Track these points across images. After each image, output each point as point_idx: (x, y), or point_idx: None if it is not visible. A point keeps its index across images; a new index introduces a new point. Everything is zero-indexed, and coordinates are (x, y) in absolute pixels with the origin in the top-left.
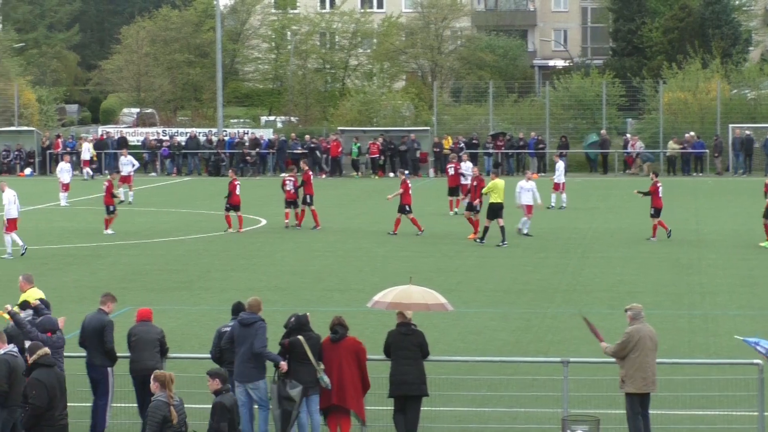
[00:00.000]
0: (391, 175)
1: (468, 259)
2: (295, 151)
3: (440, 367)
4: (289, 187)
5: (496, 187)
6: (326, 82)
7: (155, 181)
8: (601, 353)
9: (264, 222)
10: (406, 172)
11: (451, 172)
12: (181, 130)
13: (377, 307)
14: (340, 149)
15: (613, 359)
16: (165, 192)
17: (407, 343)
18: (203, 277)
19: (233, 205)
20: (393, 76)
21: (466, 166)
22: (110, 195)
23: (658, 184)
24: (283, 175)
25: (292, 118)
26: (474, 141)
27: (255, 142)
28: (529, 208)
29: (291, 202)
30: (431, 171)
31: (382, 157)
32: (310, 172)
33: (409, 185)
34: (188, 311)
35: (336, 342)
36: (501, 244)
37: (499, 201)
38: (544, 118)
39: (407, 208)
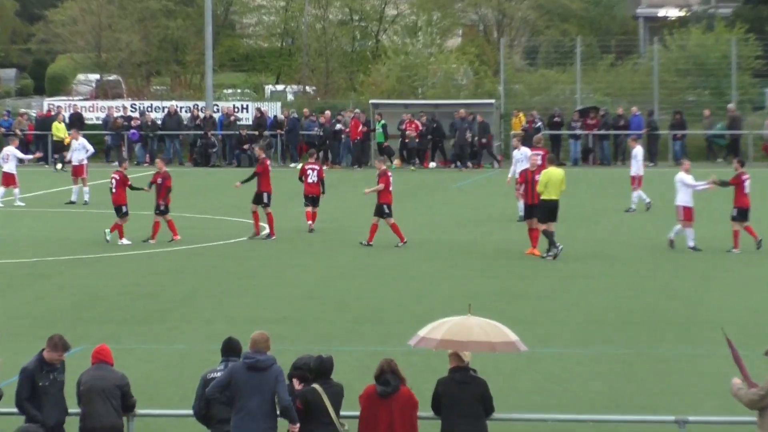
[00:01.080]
0: (432, 165)
1: (544, 279)
2: (310, 132)
3: (509, 427)
4: (312, 178)
5: (550, 180)
6: (354, 40)
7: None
8: (731, 409)
9: (268, 229)
10: (393, 164)
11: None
12: (156, 103)
13: (423, 345)
14: (360, 129)
15: (750, 415)
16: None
17: (464, 396)
18: (184, 304)
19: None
20: (445, 30)
21: (521, 154)
22: (123, 190)
23: (744, 177)
24: (292, 165)
25: (308, 89)
26: (556, 119)
27: (258, 122)
28: (686, 211)
29: (313, 199)
30: (495, 160)
31: (428, 138)
32: (268, 161)
33: (390, 180)
34: (163, 351)
35: (387, 396)
36: (545, 255)
37: (554, 198)
38: (650, 88)
39: (386, 210)
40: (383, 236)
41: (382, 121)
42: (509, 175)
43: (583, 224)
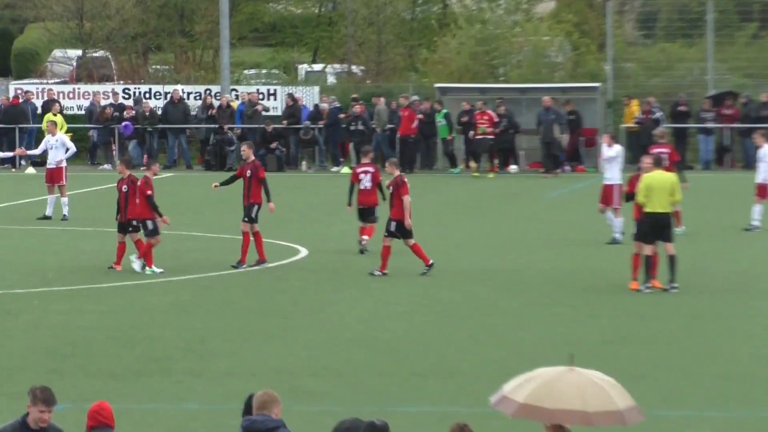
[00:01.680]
0: (514, 168)
1: (667, 320)
2: (356, 129)
3: None
4: (366, 183)
5: (652, 188)
6: (415, 4)
7: (109, 178)
8: None
9: (304, 253)
10: (458, 169)
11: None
12: (156, 88)
13: (502, 408)
14: (414, 124)
15: None
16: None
17: None
18: (193, 352)
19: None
20: None
21: (615, 152)
22: (148, 199)
23: None
24: (334, 169)
25: (354, 68)
26: (680, 108)
27: (289, 112)
28: None
29: (367, 211)
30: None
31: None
32: (258, 164)
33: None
34: (167, 413)
35: None
36: (669, 287)
37: (660, 211)
38: None
39: (394, 228)
40: (450, 261)
41: (444, 111)
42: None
43: (717, 247)
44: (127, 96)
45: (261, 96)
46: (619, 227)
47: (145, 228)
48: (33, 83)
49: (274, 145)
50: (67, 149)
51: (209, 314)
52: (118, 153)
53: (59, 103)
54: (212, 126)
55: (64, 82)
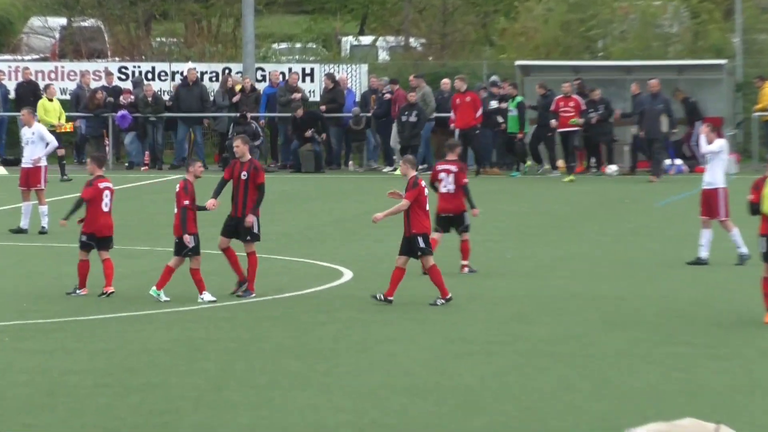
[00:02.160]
0: (613, 169)
1: None
2: (407, 120)
3: None
4: (447, 186)
5: None
6: None
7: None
8: None
9: (349, 275)
10: (525, 167)
11: None
12: (161, 67)
13: None
14: (478, 115)
15: None
16: (124, 208)
17: None
18: (205, 402)
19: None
20: None
21: (718, 145)
22: (181, 213)
23: None
24: (387, 170)
25: (413, 41)
26: None
27: (330, 96)
28: None
29: (448, 220)
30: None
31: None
32: (258, 165)
33: (425, 193)
34: None
35: None
36: None
37: None
38: None
39: (420, 243)
40: (536, 287)
41: (518, 98)
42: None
43: None
44: (124, 77)
45: (296, 76)
46: (740, 242)
47: (181, 247)
48: (4, 60)
49: (309, 133)
50: (47, 143)
51: (227, 354)
52: (112, 149)
53: (35, 84)
54: (232, 115)
55: (44, 59)
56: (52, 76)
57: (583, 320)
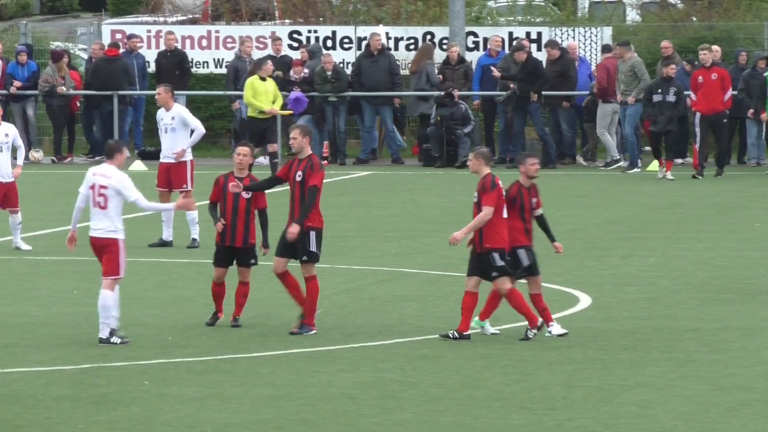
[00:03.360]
0: None
1: None
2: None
3: None
4: None
5: None
6: None
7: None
8: None
9: (586, 301)
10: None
11: None
12: (343, 31)
13: None
14: (727, 98)
15: None
16: None
17: None
18: None
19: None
20: None
21: None
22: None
23: None
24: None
25: None
26: None
27: (557, 69)
28: None
29: None
30: None
31: None
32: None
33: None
34: None
35: None
36: None
37: None
38: None
39: (496, 261)
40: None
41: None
42: None
43: None
44: (296, 44)
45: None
46: None
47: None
48: (141, 23)
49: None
50: (192, 130)
51: (429, 403)
52: (279, 138)
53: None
54: (436, 94)
55: (193, 22)
56: (204, 43)
57: (720, 358)
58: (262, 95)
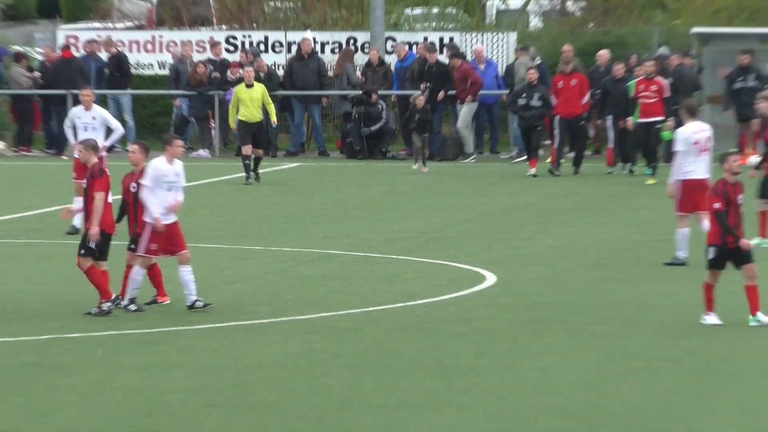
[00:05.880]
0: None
1: None
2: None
3: None
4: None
5: None
6: None
7: (208, 171)
8: None
9: (491, 279)
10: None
11: None
12: (275, 36)
13: None
14: (584, 101)
15: None
16: (235, 201)
17: None
18: (329, 425)
19: None
20: None
21: None
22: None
23: None
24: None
25: (571, 5)
26: None
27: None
28: None
29: None
30: None
31: None
32: None
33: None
34: None
35: None
36: None
37: None
38: None
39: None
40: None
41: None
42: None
43: None
44: (232, 48)
45: (431, 46)
46: None
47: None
48: (92, 28)
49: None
50: (113, 130)
51: (351, 370)
52: (218, 132)
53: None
54: (354, 93)
55: (139, 27)
56: (149, 47)
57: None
58: (247, 102)
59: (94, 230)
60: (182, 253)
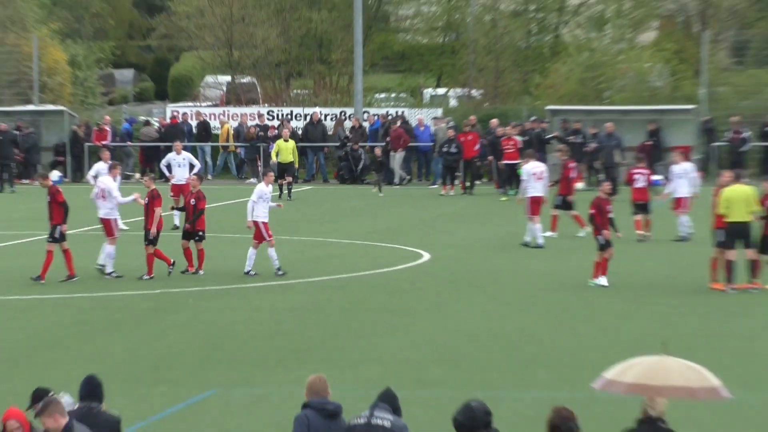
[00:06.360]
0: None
1: (757, 316)
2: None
3: None
4: (641, 183)
5: (731, 199)
6: (529, 34)
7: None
8: None
9: (426, 257)
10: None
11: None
12: (297, 110)
13: (609, 389)
14: (476, 148)
15: None
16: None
17: None
18: (327, 344)
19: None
20: (638, 23)
21: (681, 169)
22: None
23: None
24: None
25: (474, 92)
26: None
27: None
28: None
29: (642, 206)
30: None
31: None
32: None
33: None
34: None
35: None
36: (728, 288)
37: (741, 220)
38: None
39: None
40: (561, 270)
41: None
42: (665, 192)
43: None
44: (271, 117)
45: (391, 116)
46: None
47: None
48: (187, 106)
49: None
50: (192, 166)
51: (342, 312)
52: (262, 168)
53: (207, 123)
54: (346, 145)
55: (215, 105)
56: (221, 117)
57: (581, 290)
58: (283, 151)
59: (153, 230)
60: (270, 240)
